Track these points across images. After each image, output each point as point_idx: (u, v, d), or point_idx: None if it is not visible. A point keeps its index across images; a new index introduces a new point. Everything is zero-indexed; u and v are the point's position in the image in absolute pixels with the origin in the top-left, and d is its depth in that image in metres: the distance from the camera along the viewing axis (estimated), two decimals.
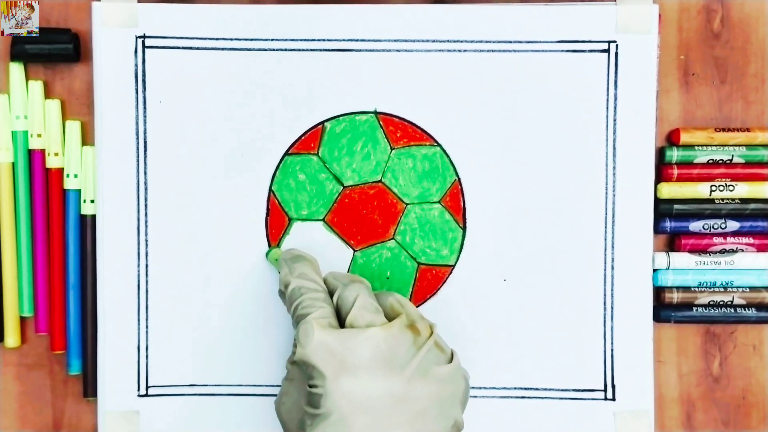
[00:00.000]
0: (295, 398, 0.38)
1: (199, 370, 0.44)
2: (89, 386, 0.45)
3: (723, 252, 0.46)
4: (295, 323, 0.37)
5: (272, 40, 0.43)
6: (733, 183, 0.45)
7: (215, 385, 0.44)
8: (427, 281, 0.44)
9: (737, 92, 0.46)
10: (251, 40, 0.43)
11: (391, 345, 0.36)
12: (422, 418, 0.36)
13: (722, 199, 0.45)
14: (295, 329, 0.37)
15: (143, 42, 0.43)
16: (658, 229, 0.45)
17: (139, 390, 0.44)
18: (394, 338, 0.36)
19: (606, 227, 0.44)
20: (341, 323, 0.37)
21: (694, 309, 0.45)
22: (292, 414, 0.38)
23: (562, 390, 0.44)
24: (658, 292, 0.46)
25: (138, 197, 0.44)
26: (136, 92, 0.43)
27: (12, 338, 0.45)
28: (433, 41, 0.43)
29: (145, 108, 0.44)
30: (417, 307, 0.44)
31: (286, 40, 0.43)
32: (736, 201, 0.45)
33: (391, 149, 0.44)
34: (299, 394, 0.38)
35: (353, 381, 0.35)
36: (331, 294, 0.39)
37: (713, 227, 0.45)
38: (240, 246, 0.44)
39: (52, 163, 0.45)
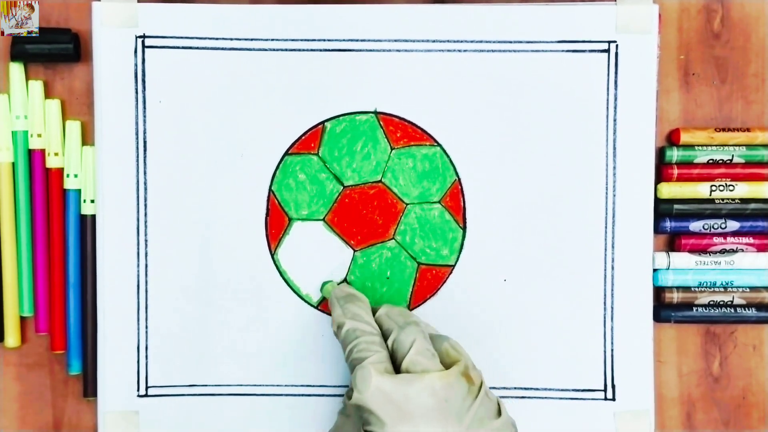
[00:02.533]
0: None
1: (199, 370, 0.44)
2: (89, 386, 0.45)
3: (723, 252, 0.46)
4: (351, 367, 0.37)
5: (272, 40, 0.43)
6: (733, 183, 0.45)
7: (215, 385, 0.44)
8: (427, 281, 0.44)
9: (737, 92, 0.46)
10: (251, 40, 0.43)
11: (447, 393, 0.36)
12: None
13: (722, 199, 0.45)
14: (351, 373, 0.37)
15: (143, 42, 0.43)
16: (658, 229, 0.45)
17: (138, 390, 0.44)
18: (451, 387, 0.36)
19: (606, 227, 0.44)
20: (396, 367, 0.37)
21: (694, 309, 0.45)
22: None
23: (562, 390, 0.44)
24: (658, 292, 0.46)
25: (138, 197, 0.44)
26: (136, 92, 0.43)
27: (12, 338, 0.45)
28: (433, 41, 0.43)
29: (144, 108, 0.44)
30: (416, 307, 0.44)
31: (286, 40, 0.43)
32: (736, 201, 0.45)
33: (392, 149, 0.44)
34: (354, 430, 0.38)
35: (411, 430, 0.35)
36: (385, 336, 0.38)
37: (713, 227, 0.45)
38: (240, 246, 0.44)
39: (52, 163, 0.45)
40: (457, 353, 0.38)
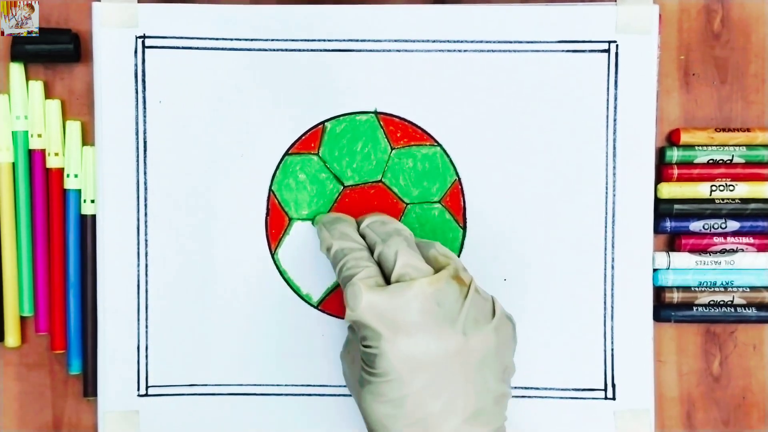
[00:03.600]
0: (355, 351, 0.38)
1: (199, 370, 0.44)
2: (89, 386, 0.45)
3: (723, 252, 0.46)
4: (343, 285, 0.37)
5: (272, 40, 0.43)
6: (733, 183, 0.45)
7: (215, 385, 0.44)
8: None
9: (737, 92, 0.46)
10: (251, 40, 0.43)
11: (439, 298, 0.35)
12: (480, 369, 0.36)
13: (722, 199, 0.45)
14: (344, 291, 0.37)
15: (143, 42, 0.43)
16: (658, 229, 0.45)
17: (138, 390, 0.44)
18: (442, 291, 0.36)
19: (606, 227, 0.44)
20: (386, 279, 0.37)
21: (695, 309, 0.45)
22: (353, 366, 0.38)
23: (562, 389, 0.44)
24: (659, 291, 0.46)
25: (138, 197, 0.44)
26: (136, 92, 0.43)
27: (12, 338, 0.45)
28: (433, 41, 0.43)
29: (144, 108, 0.44)
30: None
31: (286, 40, 0.43)
32: (737, 201, 0.45)
33: (392, 149, 0.44)
34: (357, 350, 0.38)
35: (408, 340, 0.35)
36: (371, 249, 0.38)
37: (713, 227, 0.45)
38: (240, 246, 0.44)
39: (52, 163, 0.45)
40: (446, 258, 0.38)
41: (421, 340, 0.35)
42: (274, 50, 0.43)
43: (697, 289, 0.46)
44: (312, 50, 0.43)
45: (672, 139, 0.46)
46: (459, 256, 0.44)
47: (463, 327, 0.35)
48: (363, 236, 0.39)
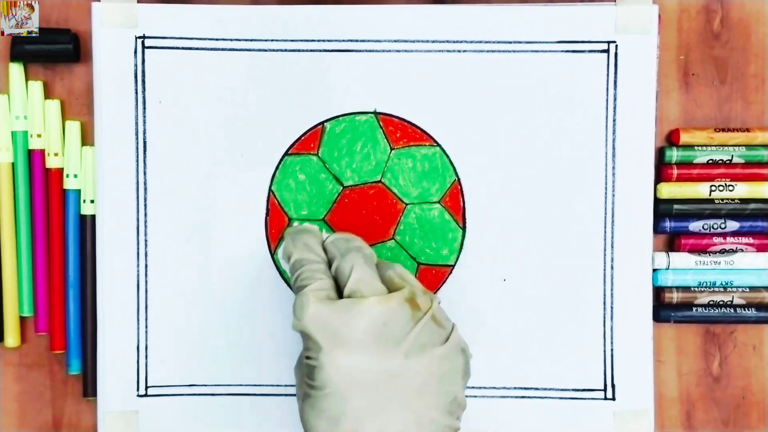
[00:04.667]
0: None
1: (199, 370, 0.44)
2: (89, 386, 0.45)
3: (723, 252, 0.46)
4: (295, 294, 0.37)
5: (272, 40, 0.43)
6: (732, 183, 0.45)
7: (215, 385, 0.44)
8: (427, 281, 0.44)
9: (737, 92, 0.46)
10: (251, 40, 0.43)
11: (387, 319, 0.35)
12: (420, 395, 0.35)
13: (722, 199, 0.45)
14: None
15: (143, 42, 0.43)
16: (657, 229, 0.45)
17: (138, 390, 0.44)
18: (391, 312, 0.35)
19: (606, 227, 0.44)
20: (341, 296, 0.37)
21: (694, 309, 0.45)
22: (300, 379, 0.38)
23: (562, 390, 0.44)
24: (658, 291, 0.46)
25: (138, 197, 0.44)
26: (136, 92, 0.43)
27: (12, 338, 0.45)
28: (433, 41, 0.43)
29: (144, 108, 0.44)
30: None
31: (286, 40, 0.43)
32: (736, 201, 0.45)
33: (391, 149, 0.44)
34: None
35: (346, 356, 0.35)
36: (331, 264, 0.38)
37: (713, 227, 0.45)
38: (240, 246, 0.44)
39: (52, 163, 0.45)
40: (402, 280, 0.37)
41: (360, 357, 0.35)
42: (273, 50, 0.43)
43: (696, 289, 0.46)
44: (312, 50, 0.43)
45: (672, 139, 0.46)
46: (459, 256, 0.44)
47: (406, 350, 0.35)
48: (326, 251, 0.39)
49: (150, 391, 0.44)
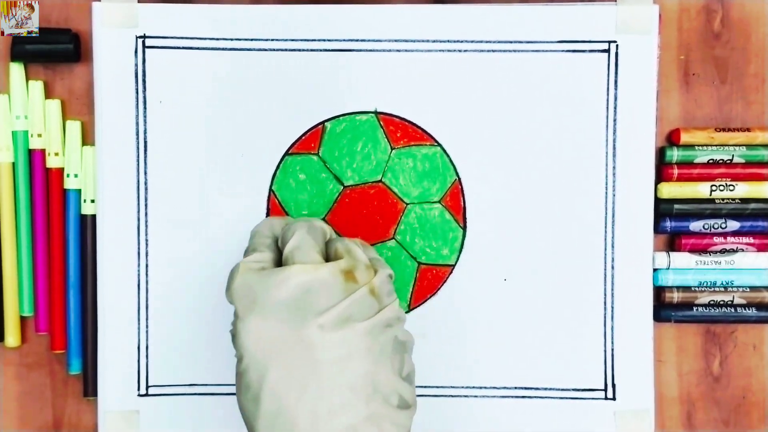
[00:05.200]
0: None
1: (199, 370, 0.44)
2: (89, 386, 0.45)
3: (723, 252, 0.46)
4: None
5: (272, 40, 0.43)
6: (733, 183, 0.45)
7: (215, 385, 0.44)
8: (428, 281, 0.44)
9: (737, 92, 0.46)
10: (251, 40, 0.43)
11: (311, 289, 0.34)
12: (341, 372, 0.33)
13: (722, 199, 0.45)
14: None
15: (143, 42, 0.43)
16: (658, 229, 0.45)
17: (139, 390, 0.44)
18: (319, 282, 0.34)
19: (606, 227, 0.44)
20: None
21: (695, 308, 0.45)
22: None
23: (562, 390, 0.44)
24: (659, 291, 0.46)
25: (138, 197, 0.44)
26: (136, 92, 0.43)
27: (12, 338, 0.45)
28: (433, 41, 0.43)
29: (145, 108, 0.44)
30: (417, 307, 0.44)
31: (286, 40, 0.43)
32: (737, 201, 0.45)
33: (392, 149, 0.44)
34: None
35: (260, 322, 0.34)
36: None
37: (713, 227, 0.45)
38: (240, 246, 0.44)
39: (52, 163, 0.45)
40: (346, 252, 0.35)
41: (274, 323, 0.34)
42: (274, 50, 0.43)
43: (697, 289, 0.46)
44: (312, 50, 0.43)
45: (672, 139, 0.46)
46: (459, 256, 0.44)
47: (324, 321, 0.33)
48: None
49: (150, 391, 0.44)
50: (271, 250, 0.37)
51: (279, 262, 0.36)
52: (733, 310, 0.45)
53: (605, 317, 0.44)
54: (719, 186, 0.45)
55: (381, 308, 0.35)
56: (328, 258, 0.36)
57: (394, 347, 0.35)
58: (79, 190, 0.45)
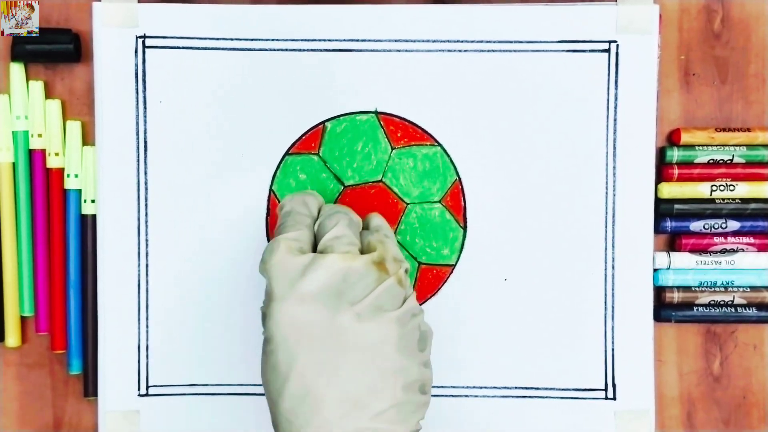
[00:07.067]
0: None
1: (199, 370, 0.44)
2: (90, 386, 0.45)
3: (723, 252, 0.46)
4: None
5: (272, 40, 0.43)
6: (733, 183, 0.45)
7: (215, 385, 0.44)
8: (428, 281, 0.44)
9: (738, 92, 0.46)
10: (251, 40, 0.43)
11: (348, 277, 0.35)
12: (373, 360, 0.34)
13: (723, 199, 0.45)
14: None
15: (143, 42, 0.43)
16: (658, 229, 0.45)
17: (139, 390, 0.44)
18: (355, 272, 0.35)
19: (606, 227, 0.44)
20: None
21: (695, 308, 0.45)
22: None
23: (562, 390, 0.44)
24: (659, 291, 0.46)
25: (138, 197, 0.44)
26: (136, 92, 0.43)
27: (12, 338, 0.45)
28: (434, 41, 0.43)
29: (145, 108, 0.44)
30: None
31: (286, 40, 0.43)
32: (737, 201, 0.45)
33: (392, 149, 0.44)
34: None
35: (296, 306, 0.34)
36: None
37: (714, 227, 0.45)
38: (240, 246, 0.44)
39: (52, 163, 0.45)
40: (380, 244, 0.37)
41: (310, 308, 0.34)
42: (274, 50, 0.43)
43: (697, 289, 0.46)
44: (312, 50, 0.43)
45: (672, 139, 0.46)
46: (459, 256, 0.44)
47: (361, 310, 0.35)
48: (319, 211, 0.39)
49: (151, 391, 0.44)
50: (309, 230, 0.37)
51: (314, 243, 0.37)
52: (733, 310, 0.45)
53: (605, 317, 0.44)
54: (719, 186, 0.45)
55: (405, 298, 0.36)
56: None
57: (420, 336, 0.37)
58: (80, 190, 0.45)
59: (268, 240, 0.44)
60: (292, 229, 0.37)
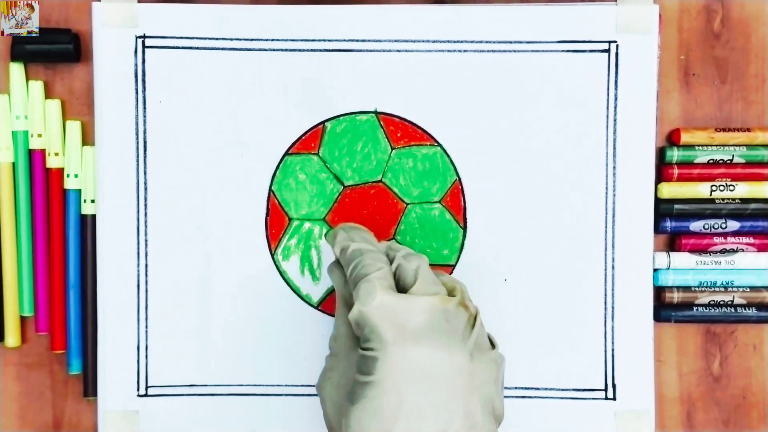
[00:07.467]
0: (342, 371, 0.37)
1: (199, 370, 0.44)
2: (89, 386, 0.45)
3: (723, 252, 0.46)
4: (353, 283, 0.36)
5: (272, 40, 0.43)
6: (733, 183, 0.45)
7: (215, 385, 0.44)
8: None
9: (737, 92, 0.46)
10: (251, 40, 0.43)
11: (448, 318, 0.35)
12: (473, 396, 0.34)
13: (722, 199, 0.45)
14: (354, 289, 0.35)
15: (143, 42, 0.43)
16: (658, 229, 0.45)
17: (138, 390, 0.44)
18: (450, 313, 0.35)
19: (606, 227, 0.44)
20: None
21: (695, 309, 0.45)
22: (339, 389, 0.36)
23: (562, 390, 0.44)
24: (659, 291, 0.46)
25: (138, 197, 0.44)
26: (136, 92, 0.43)
27: (12, 338, 0.45)
28: (434, 41, 0.43)
29: (145, 108, 0.44)
30: None
31: (286, 40, 0.43)
32: (737, 201, 0.45)
33: (392, 149, 0.44)
34: (347, 363, 0.36)
35: (414, 347, 0.34)
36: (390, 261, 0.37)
37: (713, 227, 0.45)
38: (240, 246, 0.44)
39: (52, 163, 0.45)
40: (456, 284, 0.37)
41: (427, 349, 0.34)
42: (274, 50, 0.43)
43: (697, 289, 0.46)
44: (312, 50, 0.43)
45: (672, 139, 0.46)
46: (460, 255, 0.44)
47: (470, 349, 0.35)
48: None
49: (150, 391, 0.44)
50: (388, 265, 0.36)
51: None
52: (733, 310, 0.45)
53: (605, 317, 0.44)
54: (719, 186, 0.45)
55: (487, 339, 0.37)
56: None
57: (502, 374, 0.37)
58: (79, 190, 0.45)
59: (268, 241, 0.44)
60: (373, 267, 0.36)
